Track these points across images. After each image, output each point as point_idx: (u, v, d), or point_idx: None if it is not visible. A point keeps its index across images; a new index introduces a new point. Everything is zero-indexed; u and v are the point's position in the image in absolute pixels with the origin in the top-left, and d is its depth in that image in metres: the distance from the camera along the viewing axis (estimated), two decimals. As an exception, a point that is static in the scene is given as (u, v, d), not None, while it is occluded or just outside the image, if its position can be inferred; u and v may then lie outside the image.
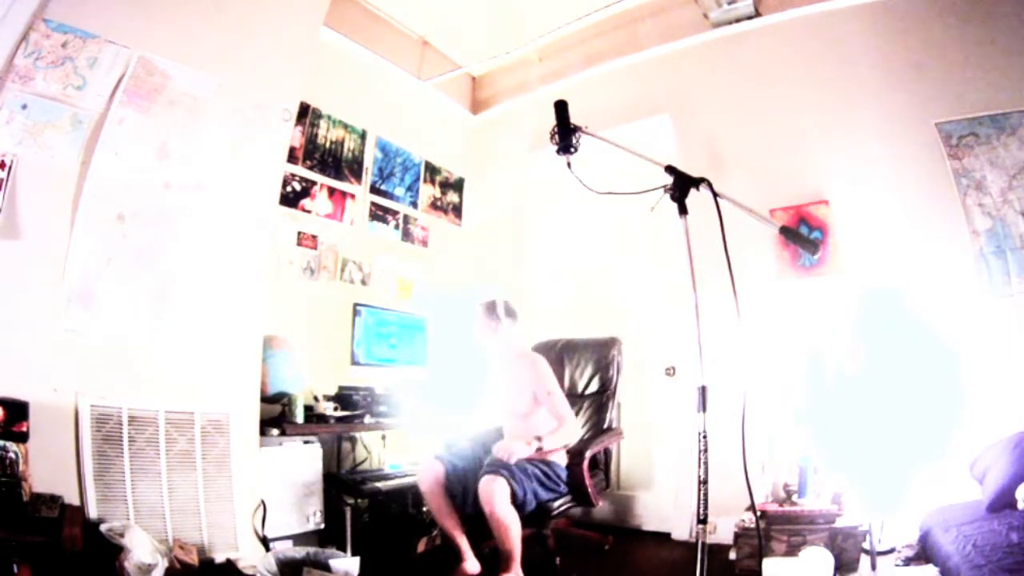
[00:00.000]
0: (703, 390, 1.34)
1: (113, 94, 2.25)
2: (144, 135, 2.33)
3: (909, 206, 2.82)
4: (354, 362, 3.33)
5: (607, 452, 2.95)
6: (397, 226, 3.88)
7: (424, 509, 3.08)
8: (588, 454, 2.58)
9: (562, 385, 2.93)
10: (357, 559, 2.12)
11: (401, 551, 2.82)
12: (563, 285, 3.99)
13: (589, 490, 2.53)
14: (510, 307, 2.74)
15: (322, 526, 2.72)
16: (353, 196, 3.60)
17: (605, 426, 3.00)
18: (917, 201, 2.80)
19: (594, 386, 3.10)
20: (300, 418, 2.74)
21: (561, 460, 2.53)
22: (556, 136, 1.82)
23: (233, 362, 2.54)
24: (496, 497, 2.21)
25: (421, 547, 2.87)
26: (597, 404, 3.07)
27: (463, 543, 2.46)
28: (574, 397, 3.07)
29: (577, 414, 2.99)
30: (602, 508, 3.43)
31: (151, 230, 2.34)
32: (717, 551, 2.51)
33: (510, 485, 2.24)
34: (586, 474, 2.53)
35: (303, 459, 2.72)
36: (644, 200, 1.55)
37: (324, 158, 3.46)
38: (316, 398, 2.97)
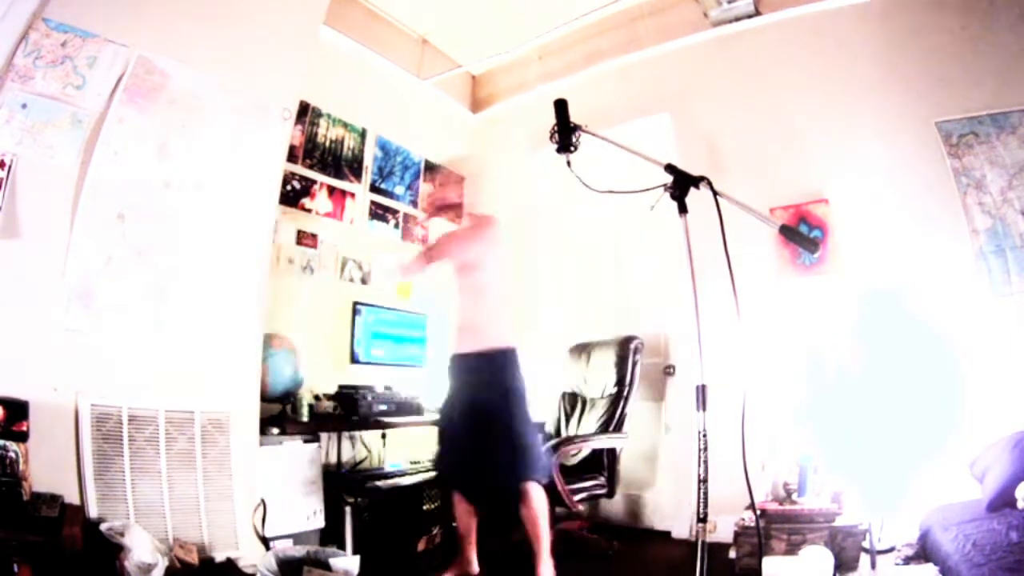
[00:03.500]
0: (703, 389, 1.34)
1: (113, 93, 2.25)
2: (144, 135, 2.33)
3: (909, 205, 2.81)
4: (354, 361, 3.34)
5: (612, 453, 2.94)
6: (397, 225, 3.88)
7: (424, 508, 3.08)
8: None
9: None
10: (357, 558, 2.13)
11: (401, 550, 2.82)
12: (565, 284, 3.99)
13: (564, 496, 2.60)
14: None
15: (322, 525, 2.72)
16: (353, 195, 3.60)
17: (611, 427, 3.00)
18: (917, 200, 2.80)
19: (610, 388, 3.12)
20: (305, 416, 2.74)
21: None
22: (556, 135, 1.82)
23: (233, 361, 2.53)
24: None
25: (421, 546, 2.87)
26: (608, 405, 3.08)
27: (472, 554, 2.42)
28: (589, 398, 3.08)
29: (586, 414, 3.00)
30: (602, 507, 3.44)
31: (151, 229, 2.33)
32: (717, 550, 2.51)
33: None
34: (559, 479, 2.59)
35: (303, 458, 2.73)
36: (645, 199, 1.55)
37: (324, 157, 3.45)
38: (316, 397, 2.96)
